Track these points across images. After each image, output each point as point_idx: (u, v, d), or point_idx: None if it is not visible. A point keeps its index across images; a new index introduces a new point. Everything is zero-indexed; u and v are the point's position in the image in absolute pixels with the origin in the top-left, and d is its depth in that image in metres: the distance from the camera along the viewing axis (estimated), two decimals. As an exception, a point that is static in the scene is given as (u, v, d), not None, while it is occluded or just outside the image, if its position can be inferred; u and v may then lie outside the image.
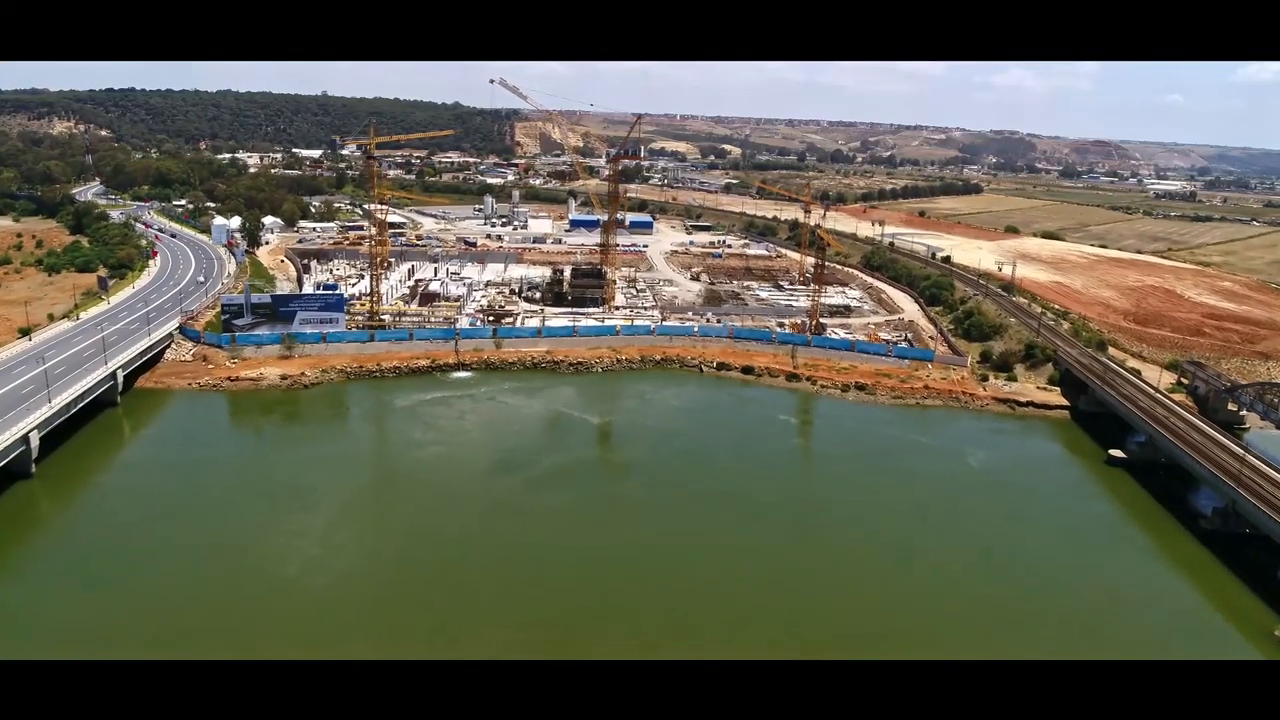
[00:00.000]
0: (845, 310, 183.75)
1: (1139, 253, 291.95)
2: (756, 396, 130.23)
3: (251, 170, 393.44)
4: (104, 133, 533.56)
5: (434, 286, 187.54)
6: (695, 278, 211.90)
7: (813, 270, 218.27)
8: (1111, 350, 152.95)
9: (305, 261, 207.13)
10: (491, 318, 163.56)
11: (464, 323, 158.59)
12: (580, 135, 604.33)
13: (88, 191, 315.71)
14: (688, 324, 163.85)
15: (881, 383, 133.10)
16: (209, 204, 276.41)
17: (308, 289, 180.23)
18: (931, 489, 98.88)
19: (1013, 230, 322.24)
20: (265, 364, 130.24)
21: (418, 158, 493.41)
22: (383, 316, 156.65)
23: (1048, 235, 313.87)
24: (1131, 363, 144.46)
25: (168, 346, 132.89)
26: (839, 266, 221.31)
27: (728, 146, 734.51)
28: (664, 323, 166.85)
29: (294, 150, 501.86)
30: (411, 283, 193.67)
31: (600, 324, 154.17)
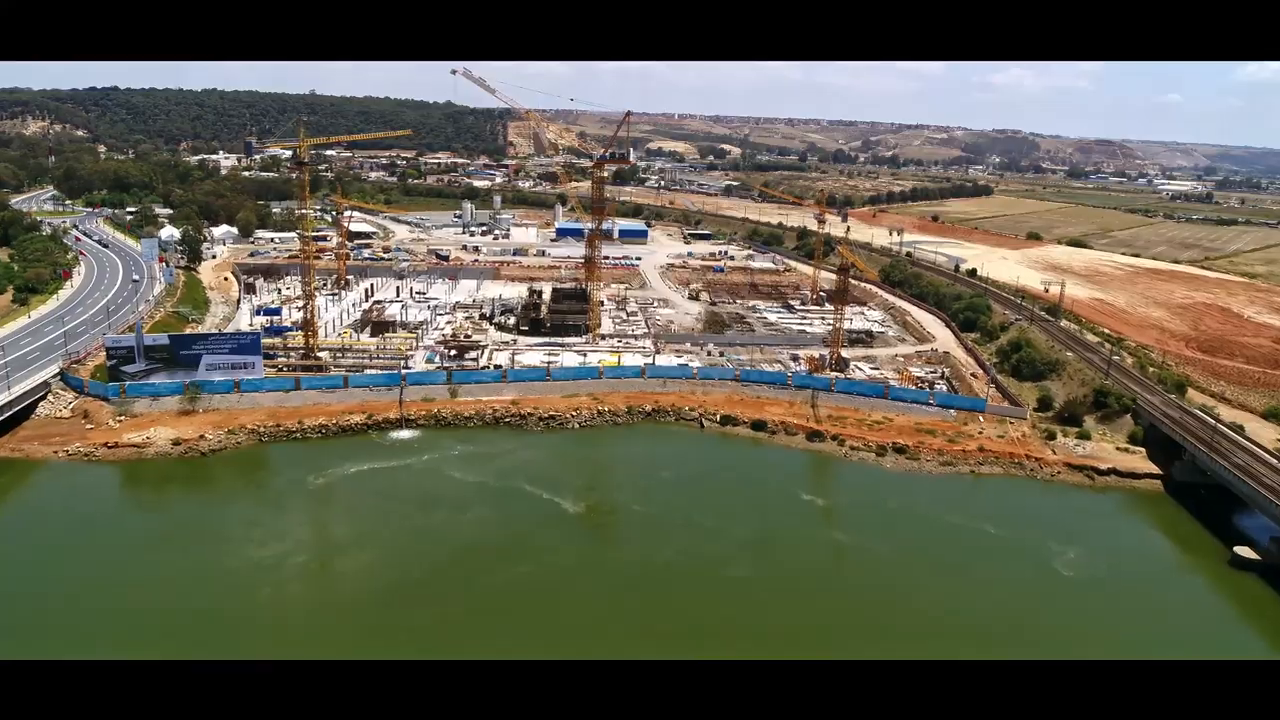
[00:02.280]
0: (867, 337, 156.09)
1: (1176, 262, 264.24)
2: (771, 463, 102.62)
3: (224, 172, 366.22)
4: (80, 133, 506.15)
5: (392, 310, 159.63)
6: (694, 296, 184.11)
7: (827, 289, 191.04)
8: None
9: (251, 279, 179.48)
10: (453, 351, 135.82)
11: (419, 359, 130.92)
12: (575, 135, 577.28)
13: (40, 197, 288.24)
14: (685, 360, 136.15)
15: (925, 443, 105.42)
16: (161, 211, 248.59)
17: (243, 317, 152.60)
18: (1019, 619, 71.33)
19: (1035, 237, 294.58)
20: (159, 422, 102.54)
21: (404, 158, 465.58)
22: (320, 353, 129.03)
23: (1074, 243, 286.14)
24: (1223, 412, 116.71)
25: (42, 398, 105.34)
26: (855, 282, 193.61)
27: (727, 146, 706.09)
28: (658, 355, 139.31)
29: (277, 151, 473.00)
30: (368, 305, 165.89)
31: (580, 366, 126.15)
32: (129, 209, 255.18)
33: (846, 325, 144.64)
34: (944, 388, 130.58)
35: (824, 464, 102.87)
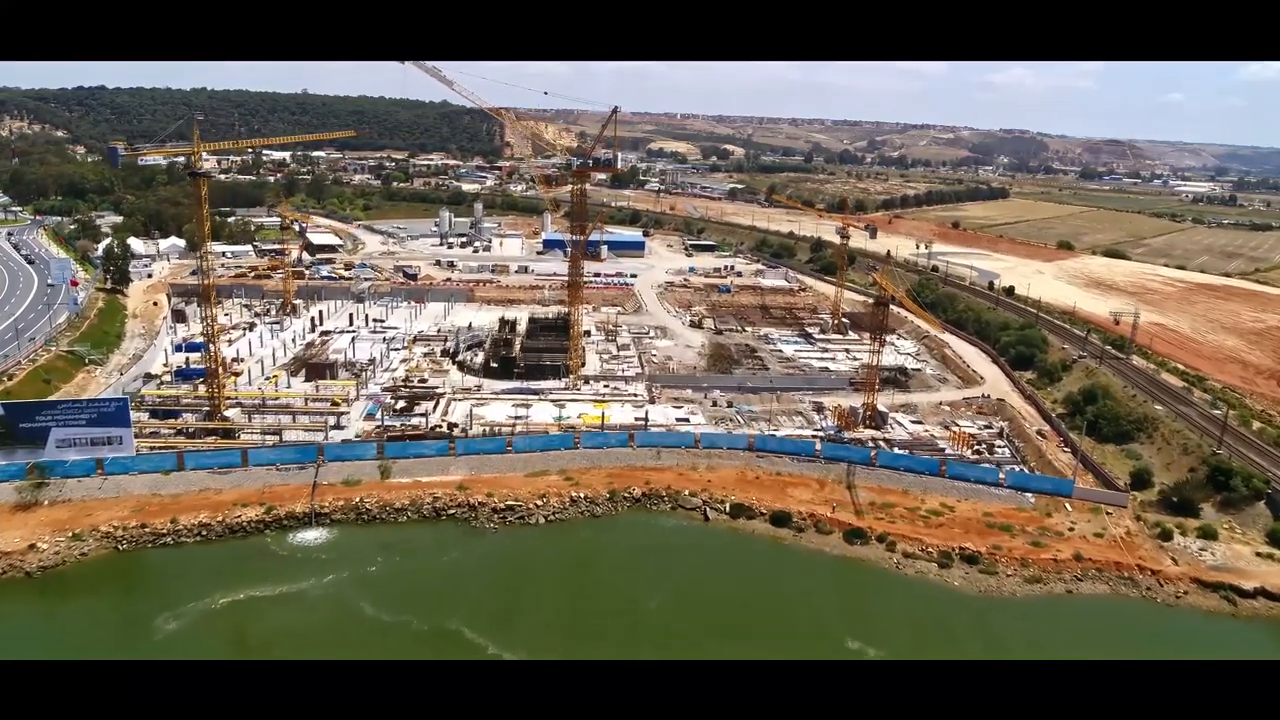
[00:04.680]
0: (900, 376, 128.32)
1: (1225, 275, 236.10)
2: (800, 581, 75.10)
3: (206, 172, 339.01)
4: (60, 133, 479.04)
5: (340, 344, 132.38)
6: (696, 323, 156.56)
7: (849, 311, 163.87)
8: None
9: (184, 304, 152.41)
10: (401, 402, 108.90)
11: (356, 414, 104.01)
12: (574, 135, 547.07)
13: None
14: (685, 411, 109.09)
15: (1003, 547, 77.96)
16: (113, 219, 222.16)
17: (157, 355, 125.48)
18: None
19: (1067, 246, 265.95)
20: (-15, 521, 75.56)
21: (394, 159, 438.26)
22: (231, 410, 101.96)
23: (1109, 253, 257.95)
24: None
25: None
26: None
27: (730, 147, 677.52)
28: (652, 404, 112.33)
29: (263, 152, 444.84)
30: (314, 336, 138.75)
31: (550, 434, 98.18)
32: (77, 217, 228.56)
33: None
34: (1007, 452, 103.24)
35: (870, 581, 75.27)
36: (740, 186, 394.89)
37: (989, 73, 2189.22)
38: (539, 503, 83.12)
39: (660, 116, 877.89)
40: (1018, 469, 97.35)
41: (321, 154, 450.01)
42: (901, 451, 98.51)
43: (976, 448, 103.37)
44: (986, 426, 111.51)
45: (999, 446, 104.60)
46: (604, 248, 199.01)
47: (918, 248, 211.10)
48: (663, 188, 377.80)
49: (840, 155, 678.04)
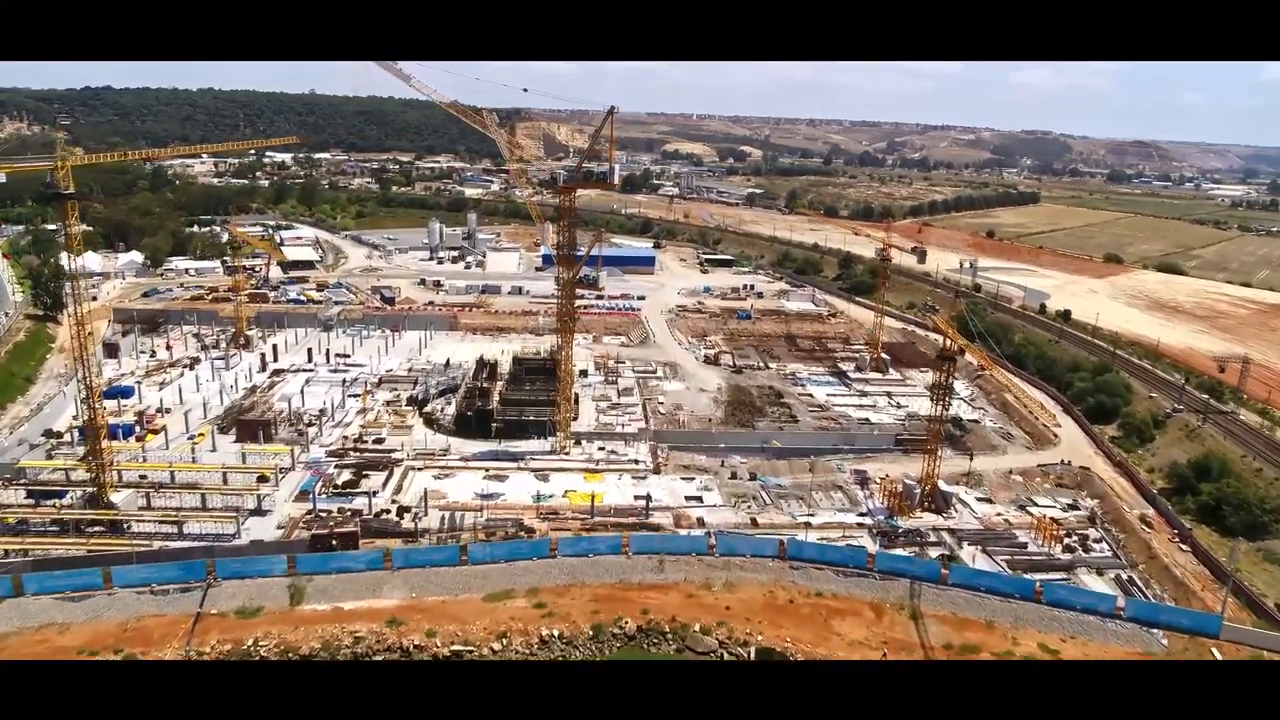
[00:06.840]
0: (957, 430, 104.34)
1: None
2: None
3: (191, 176, 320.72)
4: (59, 135, 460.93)
5: (289, 389, 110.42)
6: (712, 359, 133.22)
7: (888, 343, 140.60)
8: None
9: (118, 335, 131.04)
10: (346, 473, 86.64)
11: (286, 491, 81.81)
12: (587, 136, 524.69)
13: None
14: (696, 494, 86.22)
15: (1140, 726, 54.98)
16: (79, 229, 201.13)
17: (67, 404, 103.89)
18: None
19: (1115, 260, 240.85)
20: None
21: (399, 161, 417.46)
22: (122, 490, 79.75)
23: (1163, 267, 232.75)
24: None
25: None
26: (923, 333, 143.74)
27: (747, 148, 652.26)
28: (656, 474, 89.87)
29: (266, 153, 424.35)
30: (262, 378, 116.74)
31: (520, 540, 74.08)
32: (40, 225, 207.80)
33: (924, 407, 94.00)
34: (1104, 548, 79.80)
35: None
36: (759, 191, 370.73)
37: (1005, 72, 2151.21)
38: (498, 645, 60.43)
39: (675, 117, 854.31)
40: (1125, 576, 74.25)
41: (325, 155, 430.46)
42: (973, 561, 75.34)
43: (1068, 542, 79.98)
44: (1071, 506, 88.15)
45: (1094, 540, 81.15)
46: (603, 273, 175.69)
47: (961, 266, 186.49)
48: (677, 193, 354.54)
49: (860, 157, 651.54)
